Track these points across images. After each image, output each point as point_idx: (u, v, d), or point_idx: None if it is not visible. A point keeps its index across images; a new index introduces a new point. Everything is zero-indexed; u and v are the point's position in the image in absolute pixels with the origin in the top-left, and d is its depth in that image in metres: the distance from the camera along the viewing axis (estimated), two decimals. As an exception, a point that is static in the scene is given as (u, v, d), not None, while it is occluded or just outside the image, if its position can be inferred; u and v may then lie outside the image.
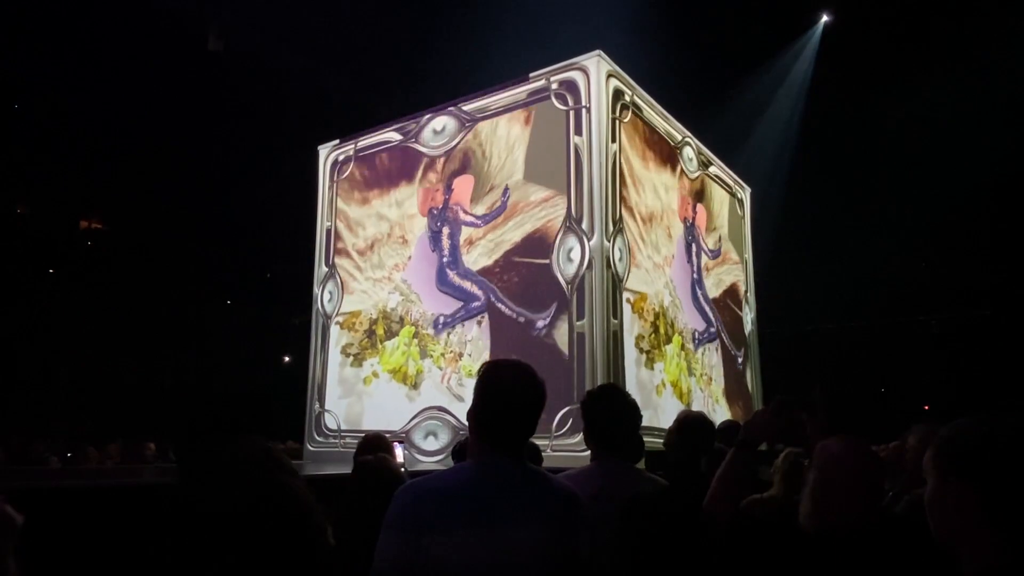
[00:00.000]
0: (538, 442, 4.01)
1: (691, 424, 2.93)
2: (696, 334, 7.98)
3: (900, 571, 1.61)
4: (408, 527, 1.53)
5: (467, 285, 7.02)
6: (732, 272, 9.27)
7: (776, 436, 2.45)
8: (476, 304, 6.92)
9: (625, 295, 6.52)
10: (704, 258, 8.47)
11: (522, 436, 1.69)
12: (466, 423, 1.78)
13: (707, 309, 8.33)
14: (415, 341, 7.29)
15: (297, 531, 1.28)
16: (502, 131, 7.13)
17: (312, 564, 1.29)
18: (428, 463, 6.58)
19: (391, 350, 7.50)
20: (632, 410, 2.52)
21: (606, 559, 1.69)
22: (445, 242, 7.32)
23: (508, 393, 1.65)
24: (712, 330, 8.37)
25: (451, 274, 7.19)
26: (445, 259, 7.28)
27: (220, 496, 1.26)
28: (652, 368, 6.88)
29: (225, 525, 1.23)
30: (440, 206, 7.44)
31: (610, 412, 2.47)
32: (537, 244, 6.64)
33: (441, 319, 7.17)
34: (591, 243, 6.25)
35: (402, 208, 7.78)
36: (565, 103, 6.69)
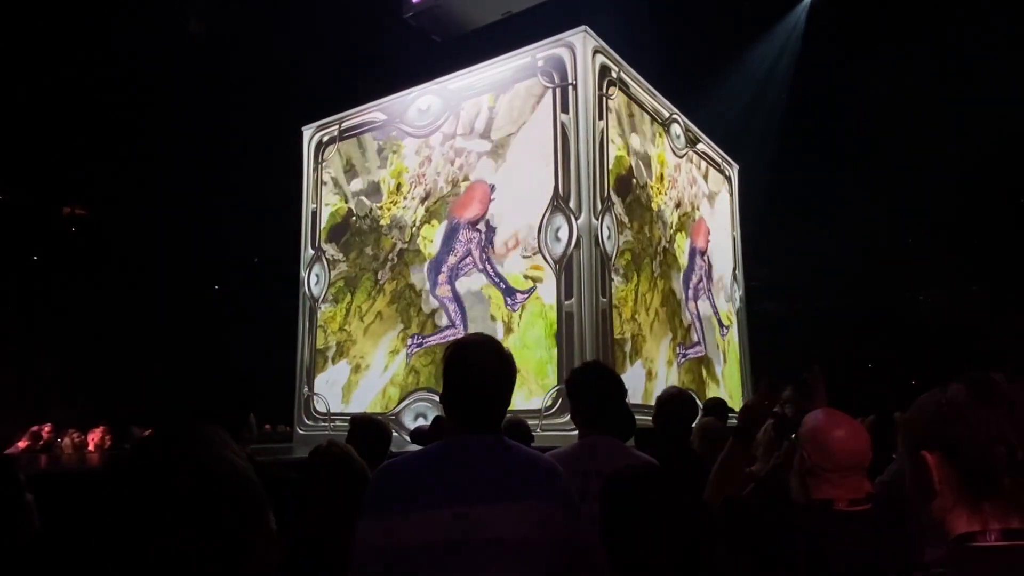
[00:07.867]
0: (528, 421, 4.00)
1: (673, 401, 2.99)
2: (685, 314, 7.97)
3: (887, 539, 1.62)
4: (379, 510, 1.53)
5: (451, 308, 6.87)
6: (720, 249, 9.25)
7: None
8: (451, 331, 6.81)
9: (613, 274, 6.48)
10: (692, 236, 8.44)
11: (494, 412, 1.66)
12: None
13: (695, 288, 8.31)
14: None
15: (233, 507, 1.44)
16: (483, 114, 7.04)
17: (244, 541, 1.44)
18: (417, 445, 6.56)
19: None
20: (617, 385, 2.51)
21: (597, 535, 1.66)
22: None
23: (474, 369, 1.63)
24: (699, 309, 8.36)
25: (441, 280, 7.04)
26: (438, 259, 7.14)
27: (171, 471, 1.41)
28: (643, 346, 6.86)
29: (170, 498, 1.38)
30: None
31: (596, 389, 2.45)
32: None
33: (416, 338, 7.07)
34: (579, 222, 6.19)
35: (387, 192, 7.69)
36: (551, 80, 6.61)
